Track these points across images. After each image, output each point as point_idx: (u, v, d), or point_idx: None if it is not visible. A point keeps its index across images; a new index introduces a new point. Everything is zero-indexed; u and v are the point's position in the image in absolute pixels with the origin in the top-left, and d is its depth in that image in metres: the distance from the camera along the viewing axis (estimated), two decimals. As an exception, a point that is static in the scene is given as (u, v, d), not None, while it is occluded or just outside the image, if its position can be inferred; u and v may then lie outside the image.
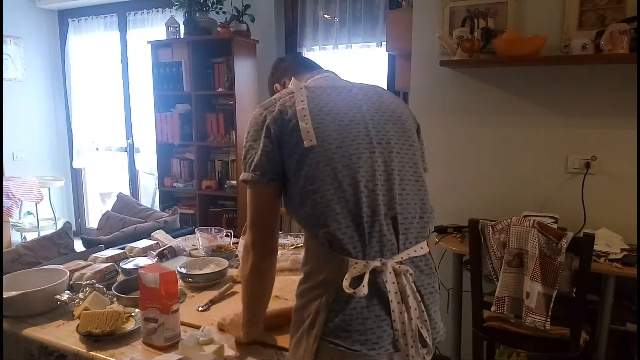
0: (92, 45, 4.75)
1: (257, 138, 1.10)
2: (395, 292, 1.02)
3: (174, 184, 3.88)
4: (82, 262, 1.79)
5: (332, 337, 1.00)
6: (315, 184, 1.04)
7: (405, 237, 1.07)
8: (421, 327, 1.04)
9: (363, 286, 0.98)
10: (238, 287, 1.69)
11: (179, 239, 2.25)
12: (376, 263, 1.01)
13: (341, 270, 1.01)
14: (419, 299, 1.06)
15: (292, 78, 1.25)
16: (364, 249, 1.02)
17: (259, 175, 1.08)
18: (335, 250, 1.02)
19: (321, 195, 1.03)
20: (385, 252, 1.04)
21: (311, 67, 1.33)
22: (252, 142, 1.11)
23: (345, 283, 0.99)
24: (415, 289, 1.05)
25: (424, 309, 1.06)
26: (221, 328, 1.37)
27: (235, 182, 3.60)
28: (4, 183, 4.14)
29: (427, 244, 1.13)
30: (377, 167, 1.07)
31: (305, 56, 1.43)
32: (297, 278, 1.16)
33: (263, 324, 1.28)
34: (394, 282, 1.02)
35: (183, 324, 1.37)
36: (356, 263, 1.01)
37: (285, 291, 1.63)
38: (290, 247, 1.99)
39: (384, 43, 3.27)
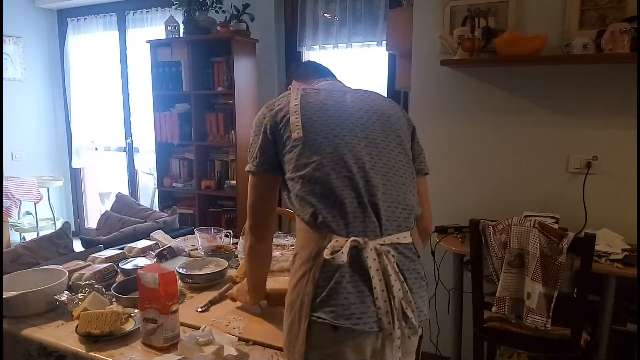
0: (92, 44, 4.75)
1: (257, 133, 1.24)
2: (377, 270, 1.06)
3: (173, 184, 3.87)
4: (81, 263, 1.78)
5: (319, 313, 1.04)
6: (302, 170, 1.14)
7: (388, 224, 1.12)
8: (406, 308, 1.08)
9: (342, 253, 1.04)
10: (238, 288, 1.69)
11: (178, 239, 2.24)
12: (358, 239, 1.07)
13: (324, 246, 1.07)
14: (402, 279, 1.09)
15: (296, 81, 1.36)
16: (346, 227, 1.09)
17: (257, 165, 1.23)
18: (319, 227, 1.10)
19: (308, 179, 1.13)
20: (368, 233, 1.09)
21: (322, 73, 1.45)
22: (254, 137, 1.25)
23: (327, 252, 1.05)
24: (397, 270, 1.09)
25: (407, 290, 1.09)
26: (232, 297, 1.55)
27: (235, 182, 3.59)
28: (3, 183, 4.14)
29: (411, 235, 1.18)
30: (361, 158, 1.15)
31: (321, 63, 1.53)
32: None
33: (269, 301, 1.51)
34: (375, 259, 1.06)
35: (182, 324, 1.37)
36: (337, 239, 1.08)
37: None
38: (290, 247, 1.99)
39: (384, 42, 3.26)
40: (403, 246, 1.14)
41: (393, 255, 1.08)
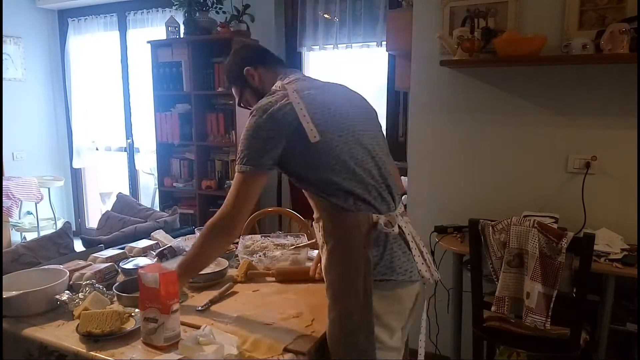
0: (92, 45, 4.75)
1: (258, 137, 1.30)
2: (408, 234, 1.37)
3: (174, 184, 3.88)
4: (81, 262, 1.78)
5: (381, 276, 1.30)
6: (332, 170, 1.29)
7: (396, 199, 1.41)
8: (429, 260, 1.42)
9: (392, 227, 1.32)
10: (238, 287, 1.69)
11: (179, 239, 2.24)
12: (392, 214, 1.34)
13: (370, 223, 1.30)
14: (419, 238, 1.43)
15: (279, 82, 1.43)
16: (379, 208, 1.33)
17: (262, 165, 1.30)
18: (361, 209, 1.30)
19: (338, 176, 1.29)
20: (390, 208, 1.36)
21: (275, 61, 1.54)
22: (252, 139, 1.31)
23: (380, 225, 1.30)
24: (413, 232, 1.42)
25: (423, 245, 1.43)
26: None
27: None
28: (4, 183, 4.14)
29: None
30: (370, 150, 1.36)
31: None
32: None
33: (278, 277, 1.71)
34: (405, 227, 1.37)
35: (183, 324, 1.37)
36: (378, 217, 1.31)
37: (289, 288, 1.66)
38: (290, 247, 1.99)
39: (384, 43, 3.27)
40: (404, 214, 1.43)
41: (408, 221, 1.41)
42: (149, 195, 4.92)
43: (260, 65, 1.50)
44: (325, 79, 1.50)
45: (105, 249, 2.07)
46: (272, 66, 1.51)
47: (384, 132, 1.56)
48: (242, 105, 1.59)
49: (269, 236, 2.14)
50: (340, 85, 1.49)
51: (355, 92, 1.50)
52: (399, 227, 1.34)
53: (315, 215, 1.41)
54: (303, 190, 1.40)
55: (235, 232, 1.37)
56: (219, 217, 1.36)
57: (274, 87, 1.43)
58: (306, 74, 1.55)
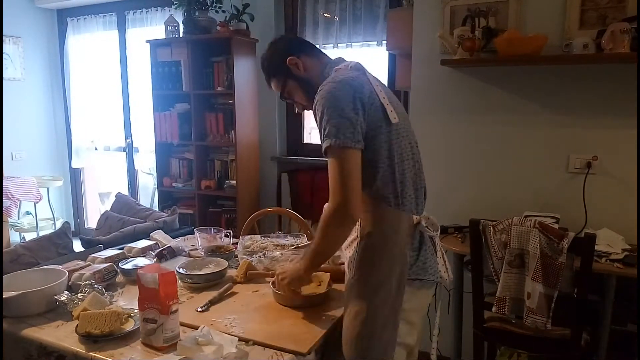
0: (91, 44, 4.74)
1: (347, 109, 1.22)
2: (434, 237, 1.41)
3: (173, 184, 3.87)
4: (81, 263, 1.78)
5: (415, 275, 1.34)
6: (397, 157, 1.29)
7: (424, 204, 1.43)
8: (447, 262, 1.48)
9: (427, 228, 1.38)
10: (237, 288, 1.69)
11: (178, 239, 2.24)
12: (424, 216, 1.38)
13: (411, 223, 1.33)
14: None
15: (342, 64, 1.38)
16: (417, 209, 1.36)
17: (355, 142, 1.23)
18: (399, 206, 1.30)
19: (399, 166, 1.30)
20: (419, 210, 1.39)
21: (318, 49, 1.50)
22: (341, 113, 1.22)
23: (422, 226, 1.36)
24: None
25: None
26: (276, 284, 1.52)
27: (235, 182, 3.58)
28: (3, 183, 4.13)
29: None
30: (414, 147, 1.39)
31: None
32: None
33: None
34: (431, 230, 1.40)
35: (182, 324, 1.37)
36: (416, 218, 1.34)
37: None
38: (290, 248, 1.98)
39: (384, 42, 3.26)
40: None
41: (433, 224, 1.42)
42: (148, 195, 4.91)
43: (303, 54, 1.43)
44: None
45: (105, 249, 2.06)
46: (315, 54, 1.45)
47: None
48: (284, 98, 1.51)
49: (269, 236, 2.13)
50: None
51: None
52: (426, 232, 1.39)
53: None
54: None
55: (357, 211, 1.25)
56: (333, 209, 1.24)
57: (339, 67, 1.36)
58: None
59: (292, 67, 1.43)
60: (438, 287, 1.49)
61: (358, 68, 1.35)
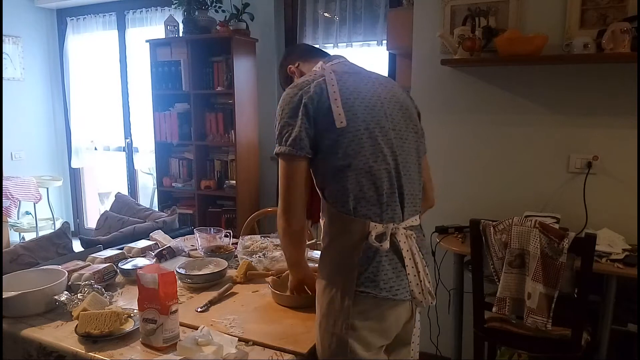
0: (91, 44, 4.74)
1: (293, 115, 1.23)
2: (407, 250, 1.25)
3: (173, 184, 3.87)
4: (80, 263, 1.78)
5: (363, 288, 1.20)
6: (345, 161, 1.21)
7: (408, 210, 1.29)
8: (428, 281, 1.28)
9: (386, 240, 1.21)
10: (237, 288, 1.69)
11: (178, 239, 2.24)
12: (392, 226, 1.23)
13: (364, 232, 1.21)
14: (421, 256, 1.29)
15: (320, 62, 1.40)
16: (381, 215, 1.23)
17: (297, 149, 1.22)
18: (357, 215, 1.22)
19: (352, 170, 1.21)
20: (395, 219, 1.25)
21: (321, 54, 1.50)
22: (288, 119, 1.24)
23: (371, 238, 1.20)
24: (418, 249, 1.28)
25: (425, 264, 1.30)
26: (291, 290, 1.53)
27: (235, 182, 3.58)
28: (3, 183, 4.13)
29: (420, 218, 1.37)
30: (395, 150, 1.27)
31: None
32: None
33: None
34: (405, 242, 1.24)
35: (182, 324, 1.37)
36: (376, 226, 1.22)
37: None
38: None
39: (384, 42, 3.25)
40: (416, 227, 1.32)
41: (414, 237, 1.27)
42: (147, 195, 4.91)
43: (301, 61, 1.49)
44: None
45: (104, 249, 2.06)
46: (314, 59, 1.46)
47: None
48: None
49: (269, 236, 2.13)
50: (386, 78, 1.41)
51: (401, 89, 1.41)
52: (396, 241, 1.23)
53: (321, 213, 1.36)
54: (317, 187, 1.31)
55: (295, 220, 1.28)
56: (278, 217, 1.30)
57: (314, 68, 1.40)
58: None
59: (292, 75, 1.50)
60: (416, 308, 1.31)
61: (333, 68, 1.33)
